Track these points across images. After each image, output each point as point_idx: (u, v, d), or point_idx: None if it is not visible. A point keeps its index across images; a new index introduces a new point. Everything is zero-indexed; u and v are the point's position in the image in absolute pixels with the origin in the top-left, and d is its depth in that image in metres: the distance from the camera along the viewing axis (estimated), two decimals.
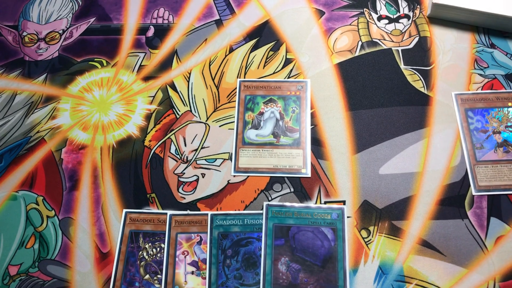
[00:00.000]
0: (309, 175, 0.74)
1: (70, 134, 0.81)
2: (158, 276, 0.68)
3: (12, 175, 0.78)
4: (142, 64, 0.88)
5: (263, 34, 0.89)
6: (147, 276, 0.68)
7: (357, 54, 0.85)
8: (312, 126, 0.78)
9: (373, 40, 0.86)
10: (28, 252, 0.72)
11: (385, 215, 0.70)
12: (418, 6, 0.89)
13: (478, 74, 0.80)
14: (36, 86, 0.88)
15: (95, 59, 0.90)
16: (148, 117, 0.82)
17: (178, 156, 0.78)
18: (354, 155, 0.75)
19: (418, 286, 0.65)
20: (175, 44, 0.90)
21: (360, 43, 0.86)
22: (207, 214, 0.71)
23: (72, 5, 0.98)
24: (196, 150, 0.78)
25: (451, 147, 0.74)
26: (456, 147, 0.74)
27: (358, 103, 0.80)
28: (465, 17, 0.84)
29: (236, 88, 0.83)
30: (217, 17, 0.92)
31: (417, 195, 0.71)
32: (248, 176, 0.75)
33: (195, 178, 0.75)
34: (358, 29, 0.88)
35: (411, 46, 0.85)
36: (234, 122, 0.79)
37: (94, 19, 0.95)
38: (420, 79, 0.81)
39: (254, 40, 0.88)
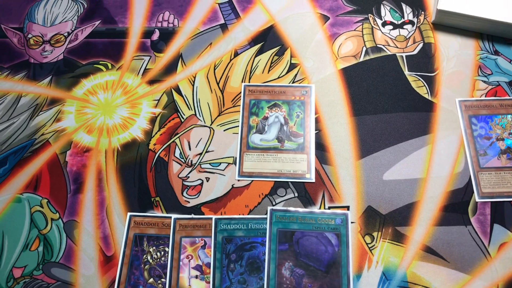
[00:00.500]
0: (313, 180, 0.74)
1: (74, 136, 0.82)
2: (162, 280, 0.68)
3: (17, 178, 0.79)
4: (147, 67, 0.88)
5: (268, 39, 0.89)
6: (151, 280, 0.68)
7: (361, 59, 0.85)
8: (316, 131, 0.78)
9: (378, 46, 0.86)
10: (32, 254, 0.72)
11: (389, 221, 0.70)
12: (423, 13, 0.89)
13: (482, 80, 0.80)
14: (41, 88, 0.88)
15: (100, 62, 0.90)
16: (152, 121, 0.82)
17: (182, 160, 0.78)
18: (358, 161, 0.75)
19: None
20: (180, 48, 0.90)
21: (364, 48, 0.86)
22: (211, 218, 0.71)
23: (77, 7, 0.98)
24: (200, 154, 0.78)
25: (454, 154, 0.74)
26: (460, 154, 0.74)
27: (362, 109, 0.80)
28: (469, 24, 0.84)
29: (240, 92, 0.83)
30: (222, 21, 0.92)
31: (420, 201, 0.71)
32: (252, 180, 0.75)
33: (199, 182, 0.76)
34: (363, 34, 0.88)
35: (415, 52, 0.85)
36: (238, 126, 0.79)
37: (99, 22, 0.95)
38: (424, 85, 0.81)
39: (259, 45, 0.88)
